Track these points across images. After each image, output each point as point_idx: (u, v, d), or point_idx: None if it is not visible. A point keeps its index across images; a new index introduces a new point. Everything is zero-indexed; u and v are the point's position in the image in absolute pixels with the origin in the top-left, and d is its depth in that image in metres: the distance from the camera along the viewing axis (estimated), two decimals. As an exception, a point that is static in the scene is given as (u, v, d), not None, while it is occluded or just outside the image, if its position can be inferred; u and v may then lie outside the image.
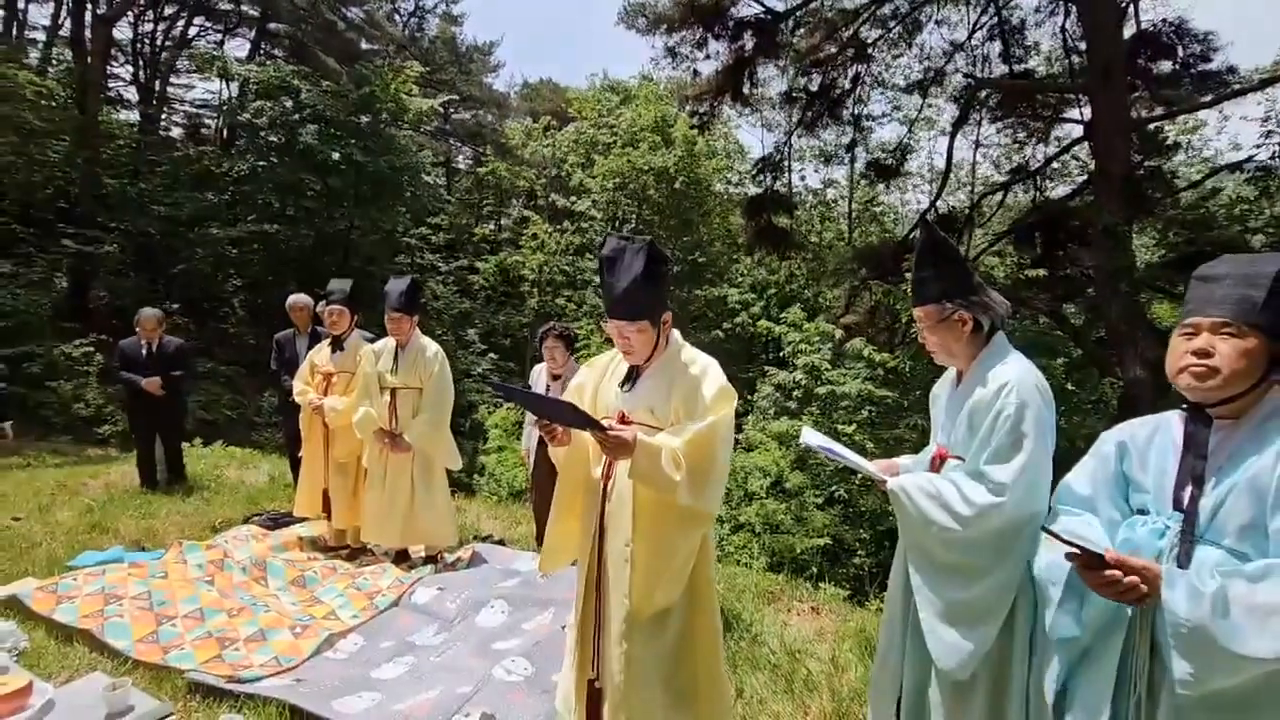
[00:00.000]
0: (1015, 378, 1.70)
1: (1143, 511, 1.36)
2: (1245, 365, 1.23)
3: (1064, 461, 1.69)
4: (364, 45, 20.10)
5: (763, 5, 10.61)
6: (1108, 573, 1.21)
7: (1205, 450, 1.27)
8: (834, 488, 7.30)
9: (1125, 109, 8.01)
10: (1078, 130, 9.74)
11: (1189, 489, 1.28)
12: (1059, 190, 13.02)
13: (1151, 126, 9.29)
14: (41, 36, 17.75)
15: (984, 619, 1.66)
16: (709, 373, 1.90)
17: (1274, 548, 1.16)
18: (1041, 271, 8.46)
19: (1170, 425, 1.38)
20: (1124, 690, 1.31)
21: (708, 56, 11.51)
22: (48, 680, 2.42)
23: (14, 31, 17.29)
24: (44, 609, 3.03)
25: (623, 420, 1.91)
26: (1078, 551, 1.24)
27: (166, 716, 2.20)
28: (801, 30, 10.91)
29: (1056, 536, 1.27)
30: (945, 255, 1.89)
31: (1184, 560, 1.24)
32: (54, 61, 16.90)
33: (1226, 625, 1.12)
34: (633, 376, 1.97)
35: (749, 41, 10.81)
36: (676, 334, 1.99)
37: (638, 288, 1.82)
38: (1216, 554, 1.21)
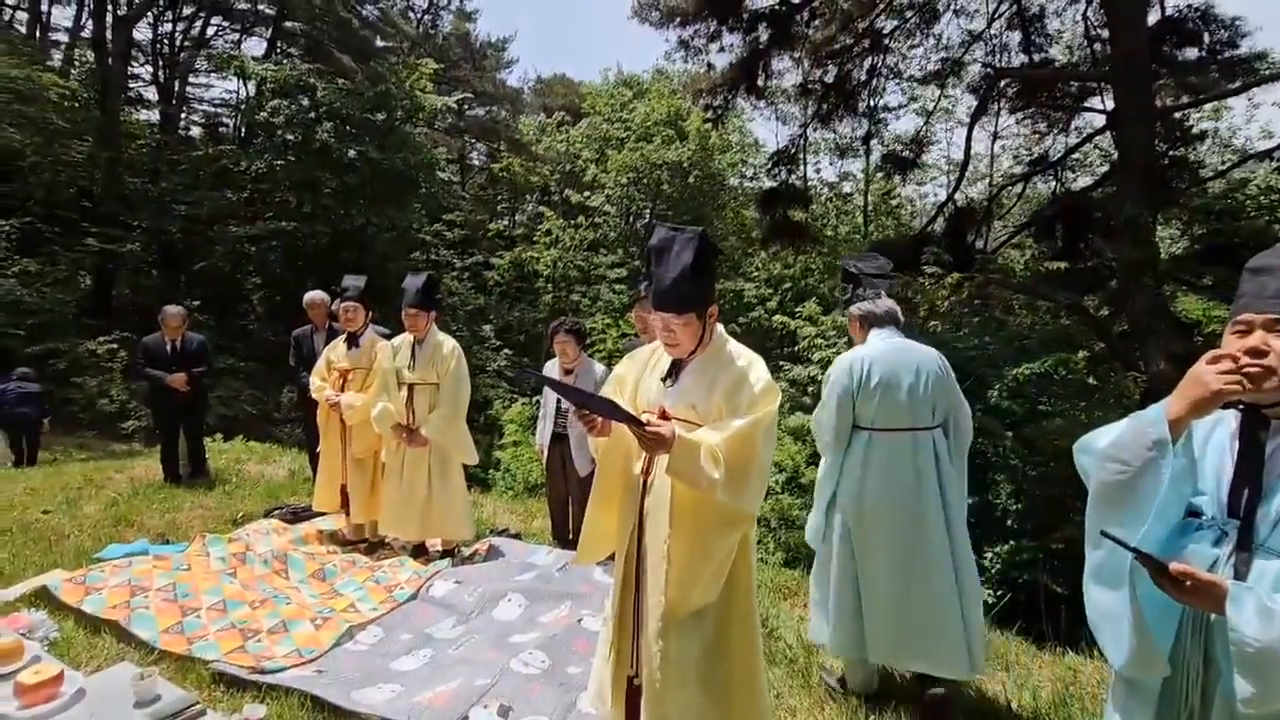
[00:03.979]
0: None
1: (1196, 514, 1.27)
2: None
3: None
4: (379, 43, 20.21)
5: (777, -4, 10.52)
6: (1162, 579, 1.15)
7: (1263, 454, 1.19)
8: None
9: (1149, 97, 7.84)
10: (1100, 120, 9.57)
11: (1245, 494, 1.20)
12: (1080, 181, 12.81)
13: (1176, 115, 9.10)
14: (64, 38, 18.07)
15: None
16: (753, 369, 1.85)
17: None
18: (1063, 264, 8.32)
19: (1227, 424, 1.29)
20: (1172, 705, 1.26)
21: (722, 49, 11.43)
22: (77, 669, 2.47)
23: (37, 34, 17.59)
24: (73, 600, 3.10)
25: (663, 416, 1.86)
26: (1145, 557, 1.17)
27: (192, 706, 2.24)
28: (816, 22, 10.81)
29: (1117, 541, 1.20)
30: (847, 275, 2.84)
31: (1241, 569, 1.17)
32: (76, 63, 17.21)
33: None
34: (675, 370, 1.93)
35: (763, 33, 10.72)
36: (720, 328, 1.94)
37: (686, 279, 1.77)
38: (1275, 565, 1.13)
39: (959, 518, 2.51)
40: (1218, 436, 1.30)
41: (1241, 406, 1.25)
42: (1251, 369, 1.16)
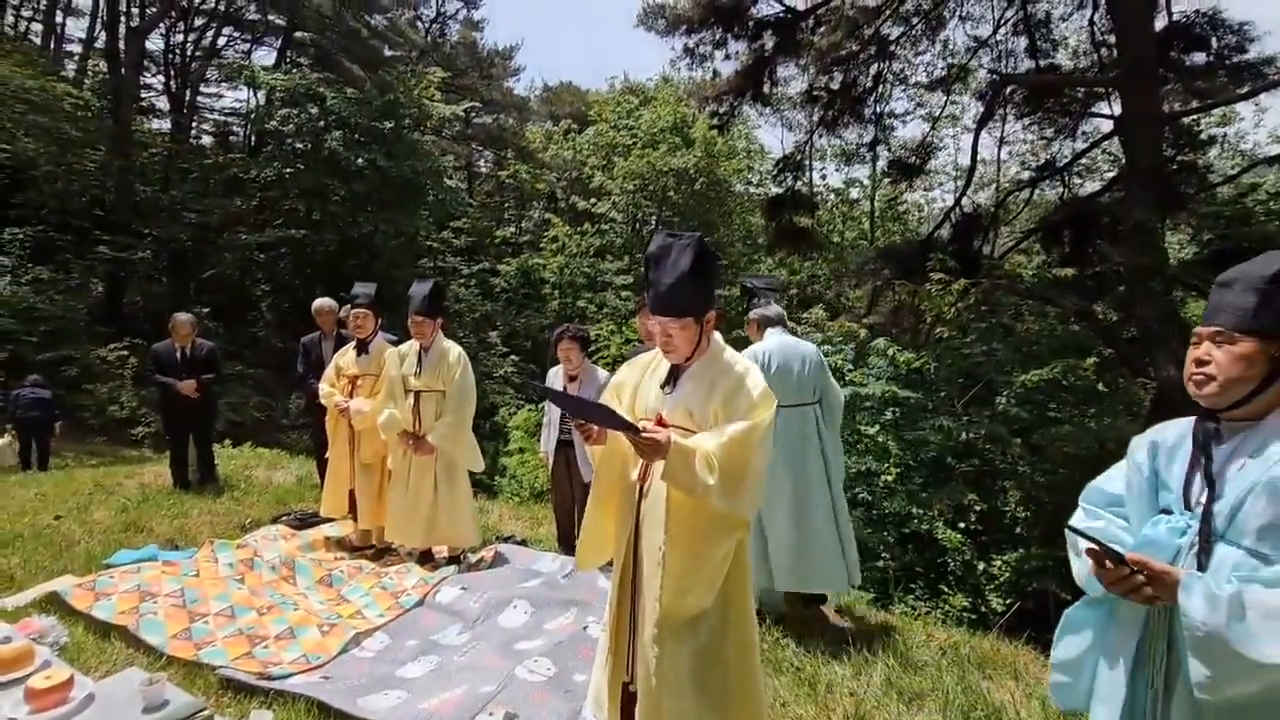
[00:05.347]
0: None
1: (1167, 510, 1.37)
2: (1240, 370, 1.26)
3: (1094, 462, 1.72)
4: (387, 52, 20.40)
5: (783, 4, 10.56)
6: (1119, 568, 1.25)
7: (1210, 452, 1.30)
8: (857, 490, 7.22)
9: (1157, 103, 7.82)
10: (1107, 125, 9.53)
11: (1197, 489, 1.30)
12: (1088, 187, 12.76)
13: (1184, 120, 9.06)
14: (77, 49, 18.33)
15: None
16: (750, 375, 1.87)
17: None
18: (1070, 270, 8.29)
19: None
20: (1140, 685, 1.34)
21: (727, 56, 11.48)
22: (87, 675, 2.49)
23: (51, 45, 17.84)
24: (82, 605, 3.12)
25: (660, 423, 1.88)
26: (1097, 549, 1.27)
27: (200, 712, 2.25)
28: (822, 28, 10.82)
29: (1079, 534, 1.32)
30: (745, 290, 3.69)
31: (1202, 560, 1.25)
32: (89, 73, 17.44)
33: (1241, 630, 1.12)
34: (673, 377, 1.94)
35: (769, 40, 10.75)
36: (718, 336, 1.96)
37: (684, 283, 1.80)
38: (1236, 554, 1.22)
39: (836, 470, 3.33)
40: (1188, 441, 1.38)
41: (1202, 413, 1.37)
42: (1196, 376, 1.32)
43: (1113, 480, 1.52)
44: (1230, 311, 1.30)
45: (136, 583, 3.35)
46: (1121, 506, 1.47)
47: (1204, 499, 1.28)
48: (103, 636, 2.94)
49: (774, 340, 3.33)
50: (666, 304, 1.83)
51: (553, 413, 4.32)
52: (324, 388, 4.43)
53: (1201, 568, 1.24)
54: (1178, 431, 1.41)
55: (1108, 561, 1.26)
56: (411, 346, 4.05)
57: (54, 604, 3.15)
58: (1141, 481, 1.42)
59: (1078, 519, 1.53)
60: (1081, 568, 1.42)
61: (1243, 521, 1.22)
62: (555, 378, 4.17)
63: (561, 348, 4.01)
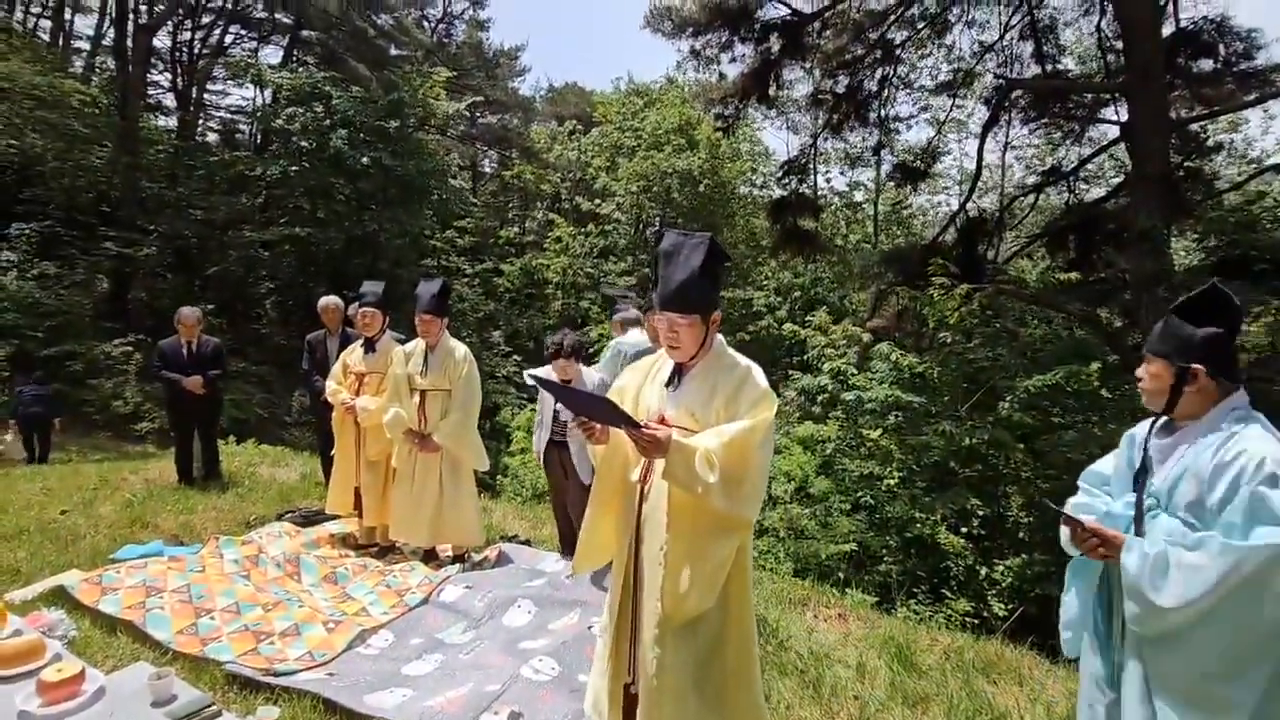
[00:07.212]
0: None
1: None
2: (1154, 384, 1.71)
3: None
4: (393, 51, 20.45)
5: (789, 7, 10.56)
6: (1082, 533, 1.65)
7: (1147, 445, 1.72)
8: (860, 494, 7.21)
9: (1164, 109, 7.81)
10: (1114, 131, 9.54)
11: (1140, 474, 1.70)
12: (1094, 192, 12.75)
13: (1191, 126, 9.06)
14: (85, 46, 18.40)
15: None
16: (751, 375, 1.88)
17: (1210, 519, 1.53)
18: (1075, 275, 8.28)
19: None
20: (1099, 616, 1.74)
21: (733, 59, 11.47)
22: (95, 668, 2.49)
23: (60, 41, 17.90)
24: (89, 600, 3.13)
25: (662, 422, 1.88)
26: (1067, 517, 1.70)
27: (208, 706, 2.26)
28: (828, 32, 10.84)
29: (1051, 507, 1.78)
30: (606, 298, 4.44)
31: (1138, 527, 1.65)
32: (97, 70, 17.52)
33: (1158, 580, 1.49)
34: (677, 375, 1.94)
35: (775, 44, 10.75)
36: (720, 337, 1.97)
37: (694, 280, 1.81)
38: (1174, 523, 1.59)
39: None
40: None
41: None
42: (1140, 387, 1.77)
43: (1105, 464, 1.92)
44: (1148, 339, 1.75)
45: (142, 578, 3.37)
46: (1109, 485, 1.86)
47: (1141, 482, 1.69)
48: (109, 631, 2.95)
49: (633, 337, 3.96)
50: (675, 299, 1.84)
51: (544, 414, 4.20)
52: (331, 385, 4.45)
53: (1139, 534, 1.63)
54: (1148, 425, 1.78)
55: (1078, 529, 1.66)
56: (418, 345, 4.05)
57: (60, 598, 3.16)
58: (1123, 465, 1.81)
59: (1077, 496, 1.91)
60: (1064, 534, 1.77)
61: (1178, 498, 1.60)
62: (548, 375, 4.15)
63: (558, 365, 3.79)
